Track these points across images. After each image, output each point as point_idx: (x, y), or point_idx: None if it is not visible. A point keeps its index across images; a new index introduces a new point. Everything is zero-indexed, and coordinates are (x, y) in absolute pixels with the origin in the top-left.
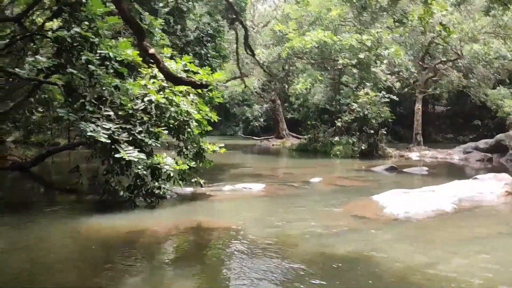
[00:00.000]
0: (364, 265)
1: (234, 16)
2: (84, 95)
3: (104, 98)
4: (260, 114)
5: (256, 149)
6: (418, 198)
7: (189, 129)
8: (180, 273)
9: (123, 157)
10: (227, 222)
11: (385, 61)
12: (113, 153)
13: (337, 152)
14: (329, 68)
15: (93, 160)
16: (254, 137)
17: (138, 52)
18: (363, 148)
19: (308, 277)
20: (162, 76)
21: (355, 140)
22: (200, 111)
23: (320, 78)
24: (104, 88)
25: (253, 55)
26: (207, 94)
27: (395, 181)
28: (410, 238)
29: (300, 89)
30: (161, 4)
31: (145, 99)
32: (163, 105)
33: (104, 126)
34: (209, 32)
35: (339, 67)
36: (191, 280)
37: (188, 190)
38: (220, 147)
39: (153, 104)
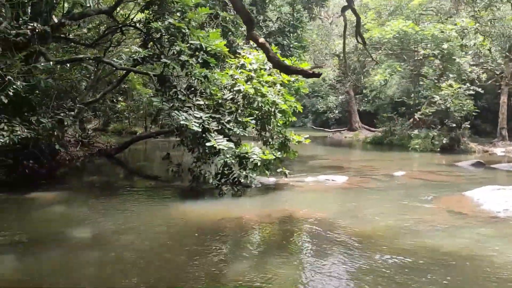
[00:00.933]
0: (473, 263)
1: (346, 4)
2: (174, 84)
3: (193, 88)
4: (335, 106)
5: (328, 141)
6: None
7: (274, 120)
8: (281, 261)
9: (214, 145)
10: (317, 213)
11: (470, 52)
12: (203, 141)
13: (416, 146)
14: (406, 59)
15: (176, 148)
16: (326, 129)
17: (225, 43)
18: (444, 142)
19: (416, 273)
20: (271, 65)
21: (435, 133)
22: (286, 101)
23: (399, 69)
24: (194, 78)
25: (364, 43)
26: (293, 85)
27: (485, 177)
28: None
29: (378, 81)
30: None
31: (234, 89)
32: (251, 96)
33: (195, 115)
34: (291, 22)
35: (419, 58)
36: (294, 268)
37: (271, 180)
38: (306, 138)
39: (241, 94)
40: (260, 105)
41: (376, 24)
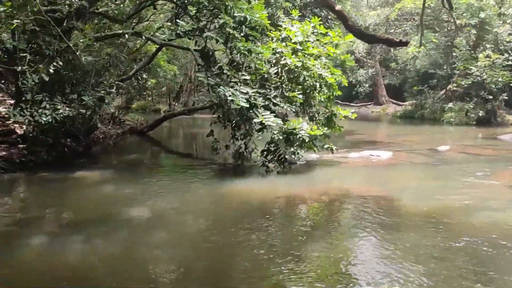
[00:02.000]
0: None
1: None
2: (215, 59)
3: (236, 63)
4: (365, 80)
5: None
6: None
7: (321, 94)
8: (361, 239)
9: (262, 121)
10: (376, 190)
11: (508, 21)
12: (249, 118)
13: (451, 119)
14: (438, 30)
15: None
16: (351, 104)
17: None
18: (480, 115)
19: (500, 250)
20: (352, 34)
21: (471, 106)
22: (333, 75)
23: (434, 40)
24: (238, 52)
25: (451, 8)
26: (338, 57)
27: None
28: None
29: (412, 53)
30: None
31: (281, 62)
32: (296, 69)
33: (242, 90)
34: None
35: (453, 28)
36: (377, 246)
37: (314, 156)
38: (352, 113)
39: (286, 68)
40: (306, 79)
41: None
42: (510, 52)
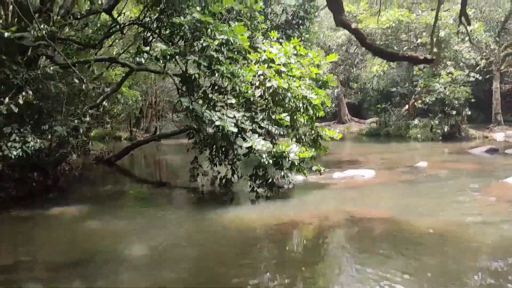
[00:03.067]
0: None
1: None
2: (198, 83)
3: (219, 86)
4: (331, 99)
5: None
6: None
7: (306, 115)
8: (383, 266)
9: (252, 146)
10: (375, 212)
11: (466, 39)
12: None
13: (418, 135)
14: (397, 49)
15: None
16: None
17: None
18: (445, 130)
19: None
20: (370, 51)
21: (437, 122)
22: (317, 95)
23: None
24: (221, 75)
25: (468, 24)
26: (320, 79)
27: (507, 164)
28: None
29: (376, 71)
30: None
31: (267, 84)
32: (281, 91)
33: (229, 115)
34: (300, 14)
35: (414, 46)
36: (383, 270)
37: (300, 178)
38: (338, 133)
39: (270, 90)
40: (291, 100)
41: (368, 14)
42: (469, 68)
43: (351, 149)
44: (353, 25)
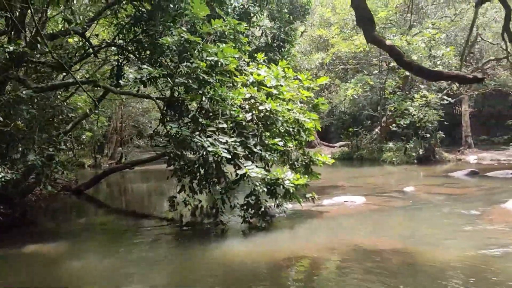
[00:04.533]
0: None
1: None
2: (186, 107)
3: (206, 110)
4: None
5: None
6: None
7: (298, 139)
8: None
9: (246, 173)
10: (381, 241)
11: (438, 62)
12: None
13: (393, 159)
14: (366, 73)
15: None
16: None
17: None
18: (420, 153)
19: None
20: (408, 71)
21: (412, 145)
22: (309, 119)
23: (371, 82)
24: (211, 99)
25: (510, 41)
26: (311, 102)
27: (496, 187)
28: None
29: (351, 95)
30: (230, 8)
31: (259, 107)
32: (273, 115)
33: (221, 140)
34: (281, 37)
35: (384, 70)
36: None
37: (289, 206)
38: (331, 158)
39: (262, 114)
40: (283, 124)
41: (340, 39)
42: (439, 92)
43: (329, 174)
44: (388, 42)
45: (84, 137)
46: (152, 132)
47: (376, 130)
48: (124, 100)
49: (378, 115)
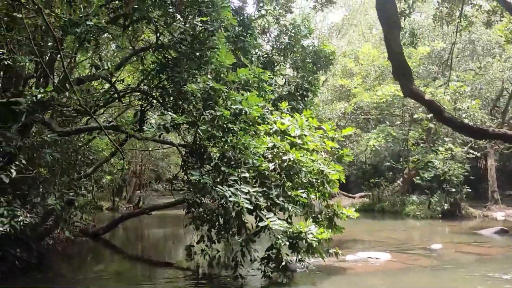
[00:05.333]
0: None
1: None
2: (209, 155)
3: (228, 158)
4: None
5: None
6: None
7: (322, 192)
8: None
9: (268, 225)
10: None
11: (464, 115)
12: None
13: (416, 213)
14: (388, 123)
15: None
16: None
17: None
18: (445, 207)
19: None
20: (450, 127)
21: (436, 199)
22: (334, 170)
23: (393, 133)
24: (234, 147)
25: None
26: (335, 152)
27: None
28: None
29: (373, 146)
30: (254, 57)
31: (283, 157)
32: (296, 165)
33: (242, 190)
34: (304, 86)
35: (407, 121)
36: None
37: (311, 260)
38: (355, 212)
39: (284, 164)
40: (307, 175)
41: (363, 89)
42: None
43: (351, 226)
44: (427, 96)
45: (104, 180)
46: (170, 176)
47: (398, 182)
48: (145, 144)
49: (400, 167)
